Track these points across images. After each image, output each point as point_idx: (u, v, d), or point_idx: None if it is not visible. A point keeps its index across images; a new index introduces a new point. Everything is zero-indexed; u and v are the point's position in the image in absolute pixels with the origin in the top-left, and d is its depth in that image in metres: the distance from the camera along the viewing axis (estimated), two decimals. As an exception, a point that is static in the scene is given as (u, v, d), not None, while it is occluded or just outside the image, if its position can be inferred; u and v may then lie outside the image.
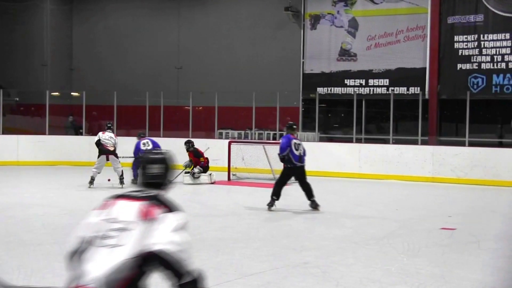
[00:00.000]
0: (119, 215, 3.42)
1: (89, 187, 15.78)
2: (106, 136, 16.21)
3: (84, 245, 3.39)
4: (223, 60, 25.38)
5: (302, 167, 12.42)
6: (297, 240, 9.32)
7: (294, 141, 12.52)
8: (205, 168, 17.53)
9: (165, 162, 3.75)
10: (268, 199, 12.35)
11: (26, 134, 23.31)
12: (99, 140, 16.23)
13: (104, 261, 3.23)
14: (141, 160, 3.79)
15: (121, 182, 16.00)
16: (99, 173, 16.02)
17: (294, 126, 13.32)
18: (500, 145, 20.45)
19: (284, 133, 13.39)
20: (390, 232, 10.17)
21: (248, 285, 6.84)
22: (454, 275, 7.39)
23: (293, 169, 12.32)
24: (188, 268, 3.21)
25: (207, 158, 17.64)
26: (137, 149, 16.65)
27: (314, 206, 12.24)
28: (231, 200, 14.24)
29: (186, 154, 17.91)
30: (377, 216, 11.92)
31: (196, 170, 17.27)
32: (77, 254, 3.41)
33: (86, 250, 3.35)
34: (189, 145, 17.67)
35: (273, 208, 12.24)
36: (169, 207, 3.43)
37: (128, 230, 3.30)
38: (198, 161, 17.42)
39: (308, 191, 12.30)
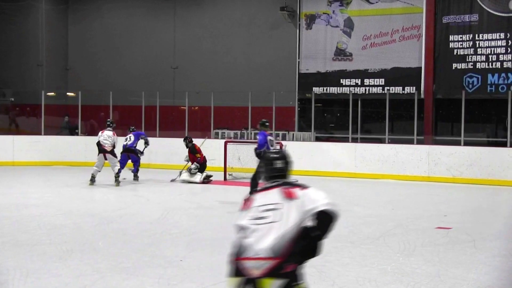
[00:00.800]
0: (266, 201, 4.34)
1: (90, 185, 15.98)
2: (105, 136, 16.32)
3: (244, 230, 4.28)
4: (219, 60, 25.38)
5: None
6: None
7: (269, 137, 13.02)
8: (202, 165, 17.53)
9: (285, 158, 4.66)
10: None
11: (22, 134, 23.30)
12: (98, 140, 16.35)
13: (266, 235, 4.14)
14: (265, 158, 4.75)
15: (116, 180, 16.07)
16: (99, 171, 16.23)
17: (267, 123, 13.70)
18: (495, 144, 20.49)
19: (258, 130, 13.81)
20: (386, 231, 10.18)
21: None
22: (450, 274, 7.40)
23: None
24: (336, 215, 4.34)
25: (204, 156, 17.66)
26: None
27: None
28: (227, 200, 14.23)
29: (180, 154, 17.96)
30: (373, 216, 11.93)
31: (192, 166, 17.33)
32: (240, 237, 4.28)
33: (248, 231, 4.23)
34: (187, 142, 17.71)
35: None
36: (302, 186, 4.41)
37: (278, 209, 4.24)
38: (194, 157, 17.45)
39: None
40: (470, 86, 20.96)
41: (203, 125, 22.61)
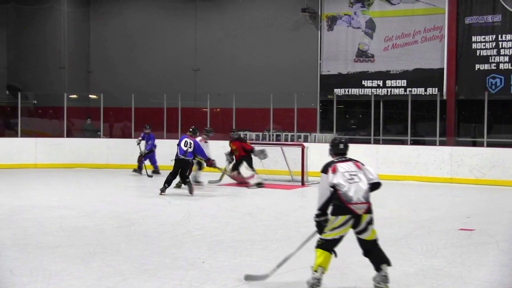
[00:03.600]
0: (349, 169, 6.81)
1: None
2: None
3: (338, 186, 6.68)
4: (240, 62, 25.40)
5: (185, 160, 15.17)
6: (315, 241, 9.29)
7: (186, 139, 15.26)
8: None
9: (346, 142, 7.19)
10: (287, 200, 12.41)
11: (44, 136, 23.46)
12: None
13: (358, 189, 6.66)
14: (334, 141, 7.24)
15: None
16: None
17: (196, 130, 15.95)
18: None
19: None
20: (408, 233, 10.14)
21: (266, 287, 6.84)
22: (473, 276, 7.36)
23: (177, 161, 15.17)
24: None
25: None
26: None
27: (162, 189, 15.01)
28: (249, 201, 14.24)
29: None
30: (395, 217, 11.88)
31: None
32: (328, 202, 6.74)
33: (344, 188, 6.65)
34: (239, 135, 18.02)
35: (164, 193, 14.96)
36: (360, 162, 7.00)
37: (358, 174, 6.78)
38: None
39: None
40: (493, 87, 20.80)
41: (224, 127, 22.60)
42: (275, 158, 18.37)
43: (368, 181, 6.74)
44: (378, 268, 6.78)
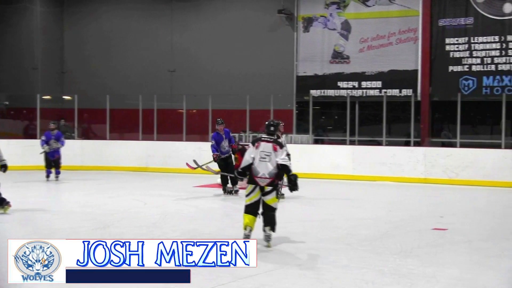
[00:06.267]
0: (266, 149, 8.83)
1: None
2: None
3: (254, 159, 8.85)
4: (216, 63, 25.36)
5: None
6: (291, 242, 9.38)
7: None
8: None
9: (276, 124, 9.32)
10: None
11: (17, 138, 23.22)
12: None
13: (266, 167, 8.75)
14: (268, 122, 9.29)
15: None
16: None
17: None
18: (490, 146, 20.57)
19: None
20: (383, 233, 10.25)
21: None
22: (446, 275, 7.47)
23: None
24: (291, 171, 8.86)
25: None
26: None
27: None
28: (226, 203, 14.27)
29: (178, 157, 17.75)
30: (371, 218, 12.00)
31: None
32: (251, 165, 8.85)
33: (256, 162, 8.82)
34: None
35: None
36: (281, 145, 8.94)
37: (270, 155, 8.78)
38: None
39: None
40: (466, 88, 21.04)
41: (201, 128, 22.62)
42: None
43: (277, 162, 8.77)
44: (263, 229, 8.91)
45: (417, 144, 20.59)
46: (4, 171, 12.03)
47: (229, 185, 15.26)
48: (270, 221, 8.86)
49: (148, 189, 16.49)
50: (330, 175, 19.48)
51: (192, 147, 19.55)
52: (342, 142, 21.26)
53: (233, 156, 15.58)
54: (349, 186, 17.94)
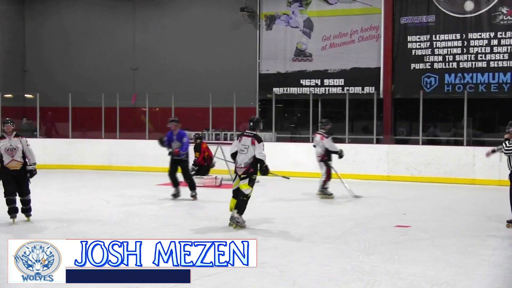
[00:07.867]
0: (245, 143, 10.44)
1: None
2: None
3: (235, 153, 10.60)
4: (179, 61, 25.25)
5: None
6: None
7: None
8: (203, 168, 17.48)
9: (256, 121, 10.83)
10: (227, 199, 12.40)
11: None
12: None
13: (244, 158, 10.41)
14: (249, 119, 10.83)
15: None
16: None
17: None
18: (453, 143, 20.81)
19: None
20: (346, 230, 10.29)
21: (205, 286, 6.87)
22: (409, 272, 7.52)
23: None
24: (265, 163, 10.45)
25: (205, 154, 17.75)
26: None
27: None
28: (188, 201, 14.19)
29: (141, 156, 17.62)
30: (333, 215, 12.05)
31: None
32: (234, 155, 10.61)
33: (237, 154, 10.53)
34: (194, 139, 17.70)
35: None
36: (260, 140, 10.41)
37: (248, 148, 10.37)
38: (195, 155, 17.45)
39: None
40: (428, 86, 21.23)
41: (164, 127, 22.46)
42: (214, 158, 18.39)
43: (254, 155, 10.32)
44: (230, 210, 10.52)
45: (379, 141, 20.72)
46: (31, 176, 11.09)
47: (175, 191, 14.65)
48: (238, 205, 10.36)
49: (111, 188, 16.36)
50: (293, 173, 19.46)
51: (155, 146, 19.25)
52: (305, 140, 21.28)
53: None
54: (311, 183, 17.95)
